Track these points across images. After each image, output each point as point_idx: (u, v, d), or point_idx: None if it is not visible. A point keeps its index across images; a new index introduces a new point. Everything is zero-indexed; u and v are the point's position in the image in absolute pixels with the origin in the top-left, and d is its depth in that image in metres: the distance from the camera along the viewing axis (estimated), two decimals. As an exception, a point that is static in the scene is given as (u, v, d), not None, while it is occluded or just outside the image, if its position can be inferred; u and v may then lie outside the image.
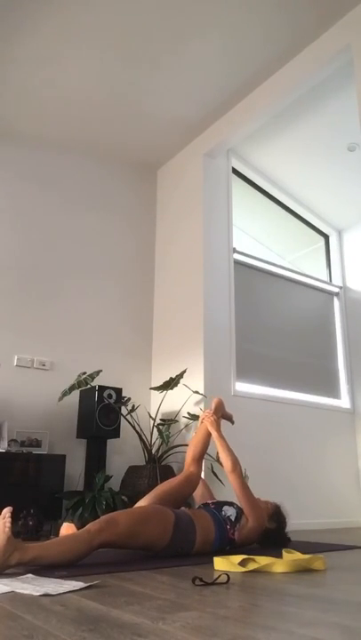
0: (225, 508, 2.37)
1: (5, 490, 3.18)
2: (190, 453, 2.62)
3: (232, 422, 2.89)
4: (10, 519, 1.70)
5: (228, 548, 2.32)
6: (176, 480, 2.48)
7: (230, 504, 2.42)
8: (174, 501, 2.38)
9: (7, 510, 1.73)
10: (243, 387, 4.23)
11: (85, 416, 3.77)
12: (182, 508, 2.35)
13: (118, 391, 3.81)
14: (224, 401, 2.85)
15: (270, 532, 2.40)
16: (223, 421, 2.79)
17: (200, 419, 2.72)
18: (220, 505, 2.39)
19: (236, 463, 2.42)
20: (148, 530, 2.03)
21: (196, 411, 3.87)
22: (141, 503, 2.34)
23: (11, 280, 4.01)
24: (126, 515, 2.01)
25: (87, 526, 1.89)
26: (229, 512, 2.35)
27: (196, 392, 3.87)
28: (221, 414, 2.78)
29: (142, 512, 2.09)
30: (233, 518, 2.33)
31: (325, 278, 5.50)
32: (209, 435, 2.64)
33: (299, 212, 5.46)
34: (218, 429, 2.60)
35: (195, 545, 2.17)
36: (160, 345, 4.56)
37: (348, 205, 5.34)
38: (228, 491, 3.36)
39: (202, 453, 2.63)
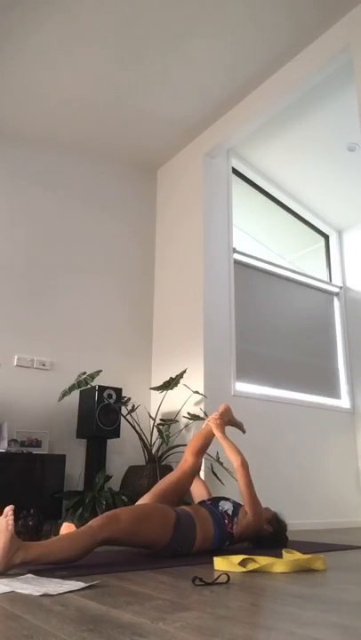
0: (221, 502, 2.38)
1: (5, 490, 3.18)
2: (190, 447, 2.61)
3: (243, 431, 2.88)
4: (12, 517, 1.69)
5: (227, 544, 2.32)
6: (174, 475, 2.48)
7: (226, 499, 2.42)
8: (175, 496, 2.39)
9: (9, 508, 1.72)
10: (243, 387, 4.22)
11: (85, 416, 3.77)
12: (182, 507, 2.35)
13: (118, 391, 3.81)
14: (230, 406, 2.86)
15: (268, 535, 2.41)
16: (229, 427, 2.78)
17: (206, 421, 2.73)
18: (217, 500, 2.40)
19: (244, 460, 2.43)
20: (149, 527, 2.03)
21: (196, 411, 3.87)
22: (142, 502, 2.34)
23: (11, 280, 4.01)
24: (128, 511, 2.01)
25: (89, 522, 1.89)
26: (226, 506, 2.36)
27: (196, 392, 3.87)
28: (228, 420, 2.78)
29: (144, 509, 2.09)
30: (230, 512, 2.33)
31: (325, 278, 5.50)
32: (212, 434, 2.65)
33: (299, 212, 5.46)
34: (222, 432, 2.61)
35: (195, 543, 2.17)
36: (160, 345, 4.56)
37: (348, 205, 5.34)
38: (227, 491, 3.36)
39: (202, 448, 2.62)
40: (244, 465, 2.41)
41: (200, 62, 3.82)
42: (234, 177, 4.86)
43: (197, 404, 3.90)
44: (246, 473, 2.39)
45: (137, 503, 2.33)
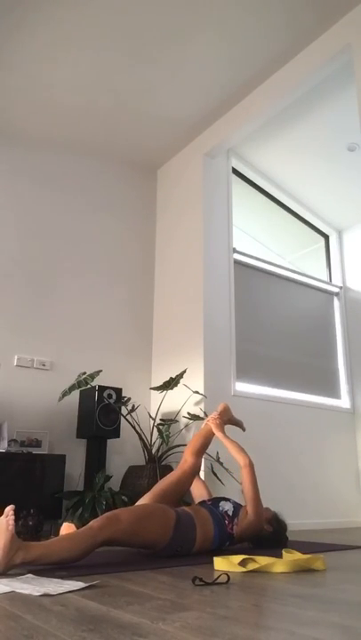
0: (222, 503, 2.38)
1: (5, 490, 3.18)
2: (190, 447, 2.61)
3: (243, 429, 2.89)
4: (13, 517, 1.69)
5: (227, 544, 2.32)
6: (174, 476, 2.48)
7: (227, 499, 2.42)
8: (175, 496, 2.39)
9: (10, 508, 1.72)
10: (243, 387, 4.22)
11: (85, 416, 3.77)
12: (182, 507, 2.35)
13: (118, 391, 3.81)
14: (229, 405, 2.86)
15: (268, 535, 2.41)
16: (229, 426, 2.78)
17: (205, 421, 2.73)
18: (217, 501, 2.40)
19: (250, 460, 2.43)
20: (149, 527, 2.03)
21: (196, 411, 3.87)
22: (142, 502, 2.34)
23: (11, 280, 4.01)
24: (128, 512, 2.01)
25: (90, 523, 1.89)
26: (227, 507, 2.35)
27: (196, 392, 3.87)
28: (228, 419, 2.78)
29: (144, 509, 2.09)
30: (230, 513, 2.33)
31: (325, 278, 5.50)
32: (212, 433, 2.65)
33: (299, 212, 5.46)
34: (222, 431, 2.61)
35: (195, 543, 2.17)
36: (160, 345, 4.56)
37: (348, 205, 5.34)
38: (227, 491, 3.36)
39: (202, 448, 2.62)
40: (251, 465, 2.41)
41: (200, 62, 3.82)
42: (234, 177, 4.86)
43: (197, 403, 3.90)
44: (252, 472, 2.39)
45: (137, 503, 2.33)
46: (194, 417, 3.75)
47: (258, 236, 5.26)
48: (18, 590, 1.43)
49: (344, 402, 5.01)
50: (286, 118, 4.30)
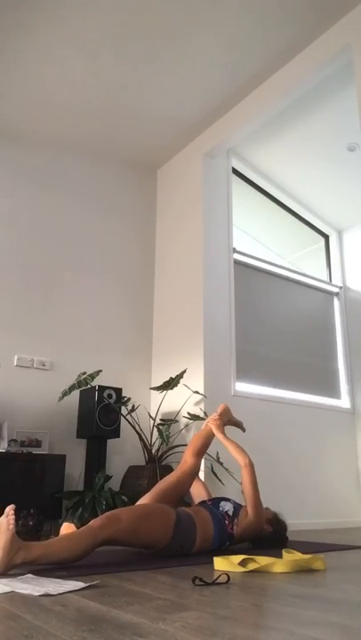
0: (222, 503, 2.38)
1: (5, 490, 3.18)
2: (190, 447, 2.61)
3: (243, 430, 2.89)
4: (13, 517, 1.69)
5: (227, 544, 2.32)
6: (174, 476, 2.48)
7: (227, 499, 2.43)
8: (175, 496, 2.39)
9: (10, 508, 1.72)
10: (243, 387, 4.22)
11: (85, 416, 3.77)
12: (182, 507, 2.35)
13: (118, 391, 3.81)
14: (229, 405, 2.87)
15: (268, 535, 2.41)
16: (229, 426, 2.79)
17: (205, 422, 2.73)
18: (217, 501, 2.40)
19: (250, 460, 2.44)
20: (149, 527, 2.03)
21: (196, 411, 3.87)
22: (142, 502, 2.34)
23: (11, 280, 4.01)
24: (128, 511, 2.01)
25: (89, 523, 1.89)
26: (227, 507, 2.36)
27: (196, 392, 3.87)
28: (228, 420, 2.78)
29: (144, 509, 2.09)
30: (231, 513, 2.33)
31: (325, 278, 5.50)
32: (212, 434, 2.66)
33: (299, 212, 5.46)
34: (223, 432, 2.62)
35: (195, 543, 2.17)
36: (160, 345, 4.56)
37: (348, 205, 5.34)
38: (227, 491, 3.37)
39: (202, 449, 2.63)
40: (251, 465, 2.42)
41: (200, 62, 3.82)
42: (234, 177, 4.86)
43: (197, 404, 3.90)
44: (252, 473, 2.40)
45: (137, 503, 2.33)
46: (194, 417, 3.75)
47: (258, 236, 5.26)
48: (18, 590, 1.43)
49: (344, 402, 5.01)
50: (286, 118, 4.30)
